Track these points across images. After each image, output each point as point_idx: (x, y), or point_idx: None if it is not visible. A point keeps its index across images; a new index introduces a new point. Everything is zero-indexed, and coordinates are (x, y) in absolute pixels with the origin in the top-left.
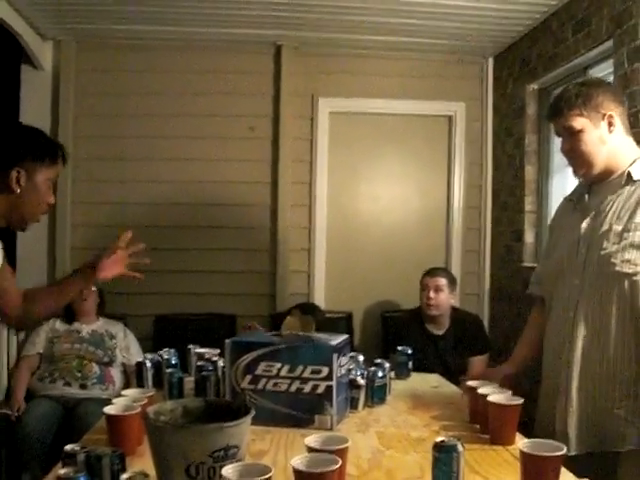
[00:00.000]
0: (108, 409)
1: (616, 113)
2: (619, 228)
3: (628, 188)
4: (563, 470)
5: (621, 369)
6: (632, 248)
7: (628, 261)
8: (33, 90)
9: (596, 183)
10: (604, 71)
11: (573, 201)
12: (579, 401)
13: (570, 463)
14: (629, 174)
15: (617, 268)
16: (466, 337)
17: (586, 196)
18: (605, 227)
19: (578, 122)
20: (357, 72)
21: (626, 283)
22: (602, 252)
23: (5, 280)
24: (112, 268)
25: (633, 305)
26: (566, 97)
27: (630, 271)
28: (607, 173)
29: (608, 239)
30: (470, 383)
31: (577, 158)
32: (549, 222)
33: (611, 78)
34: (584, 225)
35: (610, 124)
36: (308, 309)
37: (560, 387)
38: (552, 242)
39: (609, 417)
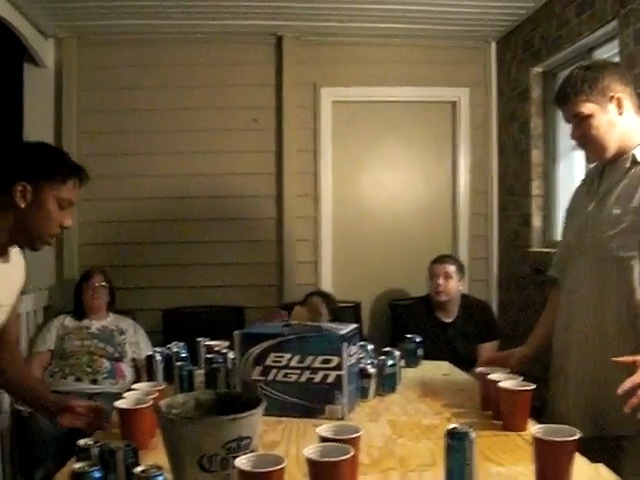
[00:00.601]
0: (119, 403)
1: (624, 94)
2: (618, 212)
3: (632, 171)
4: (577, 455)
5: (619, 353)
6: (628, 232)
7: (624, 246)
8: (36, 88)
9: (609, 165)
10: (609, 52)
11: (586, 184)
12: (578, 384)
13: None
14: (633, 157)
15: (614, 252)
16: (475, 324)
17: (596, 180)
18: (607, 211)
19: (586, 107)
20: (359, 60)
21: (622, 267)
22: (602, 236)
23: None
24: (72, 420)
25: (630, 290)
26: (572, 83)
27: (625, 255)
28: (620, 154)
29: (608, 223)
30: (481, 369)
31: (589, 144)
32: (557, 205)
33: (617, 59)
34: (590, 209)
35: (619, 106)
36: (326, 296)
37: (562, 369)
38: (566, 226)
39: (609, 401)
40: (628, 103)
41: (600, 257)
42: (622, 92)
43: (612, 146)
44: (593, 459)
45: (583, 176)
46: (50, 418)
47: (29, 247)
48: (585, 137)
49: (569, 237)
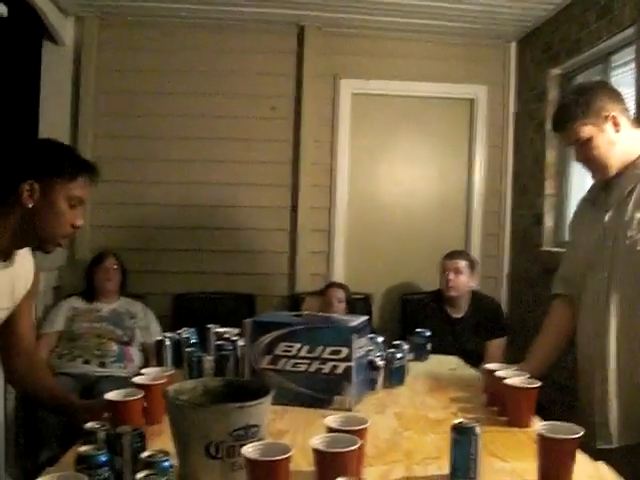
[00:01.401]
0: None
1: (617, 112)
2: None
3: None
4: (579, 453)
5: None
6: None
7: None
8: (54, 66)
9: (613, 178)
10: (626, 57)
11: (591, 201)
12: (618, 392)
13: (610, 456)
14: None
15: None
16: (484, 320)
17: (602, 194)
18: (628, 216)
19: (584, 131)
20: (380, 54)
21: None
22: (627, 241)
23: (25, 310)
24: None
25: None
26: (566, 109)
27: None
28: (623, 168)
29: (631, 227)
30: (488, 366)
31: (592, 165)
32: (570, 206)
33: (633, 65)
34: (607, 218)
35: (615, 124)
36: (346, 289)
37: (596, 380)
38: (573, 242)
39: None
40: (623, 119)
41: (628, 262)
42: (615, 110)
43: (615, 163)
44: (630, 467)
45: (586, 193)
46: (74, 421)
47: (40, 249)
48: (588, 159)
49: (580, 253)
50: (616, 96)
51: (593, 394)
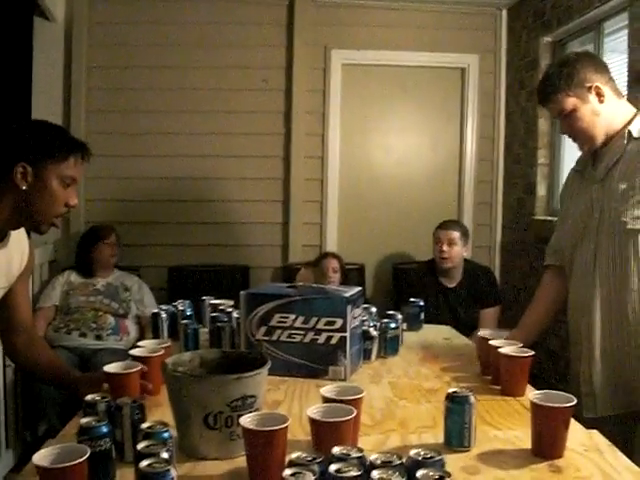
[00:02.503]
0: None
1: (602, 82)
2: (624, 187)
3: (630, 147)
4: (572, 421)
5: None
6: (639, 204)
7: (637, 218)
8: (45, 42)
9: (600, 149)
10: (619, 24)
11: (580, 171)
12: (603, 362)
13: (597, 425)
14: (629, 133)
15: (628, 226)
16: (478, 290)
17: (590, 165)
18: (613, 188)
19: (568, 103)
20: (370, 24)
21: (638, 239)
22: (612, 212)
23: (21, 289)
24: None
25: None
26: (549, 82)
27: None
28: (609, 139)
29: (617, 199)
30: (482, 334)
31: (578, 136)
32: (562, 175)
33: (625, 31)
34: (594, 190)
35: (599, 95)
36: (340, 258)
37: (583, 350)
38: (564, 213)
39: (635, 376)
40: (607, 90)
41: (612, 233)
42: (599, 80)
43: (600, 133)
44: (618, 436)
45: (575, 164)
46: (74, 394)
47: (34, 230)
48: (573, 130)
49: (573, 221)
50: (600, 66)
51: (580, 364)
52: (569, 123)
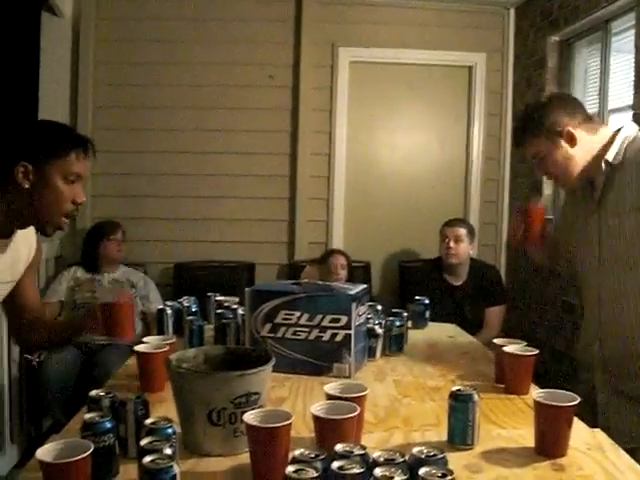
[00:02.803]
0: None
1: (573, 126)
2: (615, 223)
3: (616, 175)
4: (576, 420)
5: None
6: (627, 243)
7: (632, 255)
8: (53, 38)
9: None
10: (626, 24)
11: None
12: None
13: None
14: (606, 162)
15: (623, 262)
16: (483, 288)
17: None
18: (604, 224)
19: (538, 148)
20: (378, 21)
21: (635, 274)
22: (609, 251)
23: (28, 282)
24: (96, 329)
25: None
26: (520, 126)
27: (636, 262)
28: (591, 173)
29: (611, 237)
30: (498, 341)
31: (553, 178)
32: None
33: (632, 31)
34: (590, 223)
35: (571, 139)
36: (347, 255)
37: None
38: (565, 222)
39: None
40: (579, 132)
41: (614, 263)
42: (570, 124)
43: (574, 173)
44: None
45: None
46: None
47: (40, 231)
48: (548, 174)
49: (579, 257)
50: (572, 108)
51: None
52: (543, 167)
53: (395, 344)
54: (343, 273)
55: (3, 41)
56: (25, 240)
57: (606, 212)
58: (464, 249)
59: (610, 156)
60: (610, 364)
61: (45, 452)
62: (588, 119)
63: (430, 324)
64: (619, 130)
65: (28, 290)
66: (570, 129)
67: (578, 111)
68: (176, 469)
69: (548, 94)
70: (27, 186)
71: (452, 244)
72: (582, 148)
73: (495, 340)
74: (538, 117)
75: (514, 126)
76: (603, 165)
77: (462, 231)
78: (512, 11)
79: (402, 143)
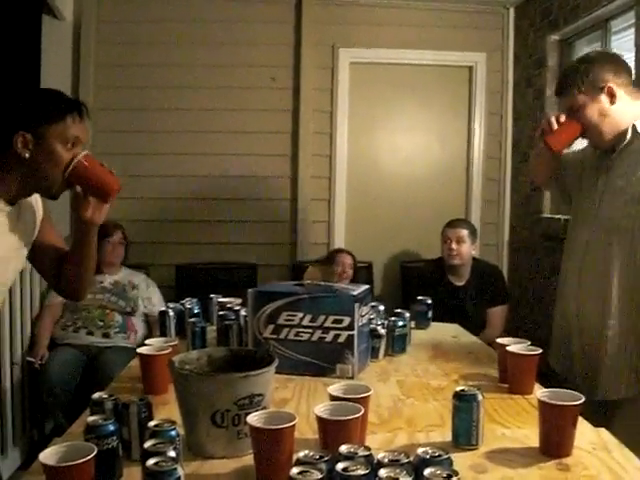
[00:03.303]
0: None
1: (616, 84)
2: (623, 184)
3: (634, 145)
4: (580, 419)
5: (614, 323)
6: (633, 202)
7: (629, 215)
8: (54, 40)
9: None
10: (625, 23)
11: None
12: (581, 352)
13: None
14: (634, 127)
15: (617, 222)
16: (486, 288)
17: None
18: (611, 184)
19: (578, 100)
20: (378, 22)
21: (627, 237)
22: (608, 209)
23: (48, 233)
24: (89, 207)
25: (634, 260)
26: (565, 76)
27: (629, 225)
28: (619, 138)
29: (614, 195)
30: (501, 341)
31: (585, 132)
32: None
33: (632, 30)
34: (599, 185)
35: (611, 95)
36: (351, 254)
37: (564, 336)
38: (575, 166)
39: (602, 367)
40: (621, 91)
41: (604, 229)
42: (614, 81)
43: (606, 134)
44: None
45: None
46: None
47: (48, 196)
48: (578, 126)
49: (576, 206)
50: (619, 67)
51: (562, 351)
52: (577, 119)
53: (398, 344)
54: (350, 272)
55: (4, 44)
56: (30, 204)
57: (614, 173)
58: (466, 250)
59: (639, 123)
60: (585, 333)
61: (48, 455)
62: (632, 84)
63: (433, 324)
64: None
65: (49, 237)
66: (612, 85)
67: (624, 72)
68: (180, 471)
69: (599, 50)
70: (27, 155)
71: (454, 245)
72: (620, 108)
73: (499, 339)
74: (584, 69)
75: (559, 74)
76: (630, 130)
77: (464, 232)
78: (512, 10)
79: (403, 143)
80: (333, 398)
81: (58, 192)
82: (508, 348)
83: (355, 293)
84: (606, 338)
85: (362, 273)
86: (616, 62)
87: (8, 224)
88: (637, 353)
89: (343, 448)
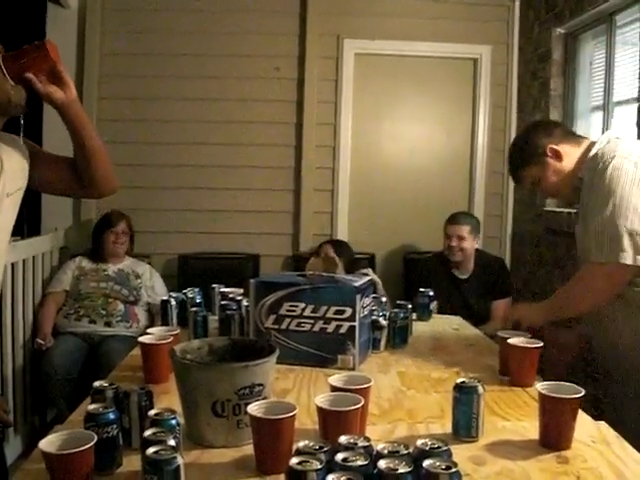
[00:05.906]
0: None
1: (554, 143)
2: (580, 230)
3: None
4: (580, 412)
5: None
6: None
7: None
8: (59, 29)
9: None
10: (630, 17)
11: None
12: None
13: None
14: (579, 179)
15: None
16: (490, 280)
17: None
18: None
19: (531, 174)
20: (383, 13)
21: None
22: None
23: (47, 158)
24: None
25: None
26: (510, 162)
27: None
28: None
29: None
30: (503, 334)
31: (553, 196)
32: None
33: (638, 24)
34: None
35: (556, 155)
36: (339, 245)
37: None
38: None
39: None
40: (563, 146)
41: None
42: (551, 142)
43: (569, 186)
44: None
45: None
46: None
47: (8, 113)
48: (549, 194)
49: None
50: (549, 127)
51: None
52: (541, 189)
53: (399, 336)
54: (336, 262)
55: (9, 32)
56: (10, 145)
57: (577, 218)
58: (467, 246)
59: (582, 172)
60: None
61: (48, 443)
62: (569, 134)
63: (434, 316)
64: (594, 143)
65: (48, 160)
66: (552, 146)
67: (555, 129)
68: (180, 460)
69: (530, 122)
70: None
71: (454, 243)
72: (571, 160)
73: (500, 332)
74: (520, 149)
75: (508, 169)
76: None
77: (465, 229)
78: (517, 3)
79: (407, 135)
80: (334, 389)
81: (16, 101)
82: (509, 341)
83: (357, 284)
84: None
85: (364, 264)
86: (543, 125)
87: None
88: None
89: (343, 439)
